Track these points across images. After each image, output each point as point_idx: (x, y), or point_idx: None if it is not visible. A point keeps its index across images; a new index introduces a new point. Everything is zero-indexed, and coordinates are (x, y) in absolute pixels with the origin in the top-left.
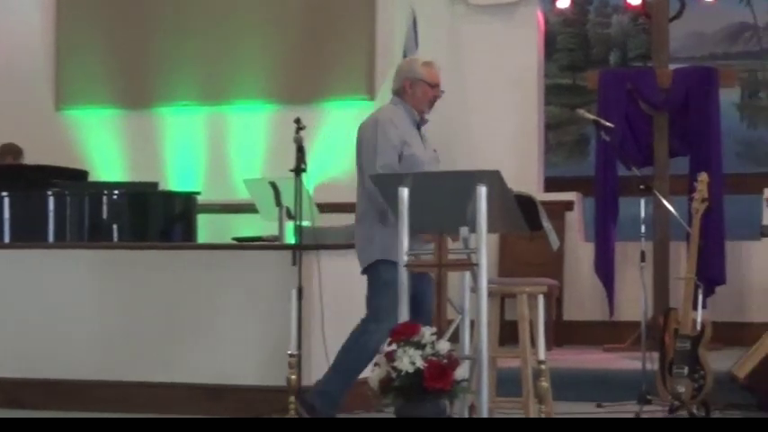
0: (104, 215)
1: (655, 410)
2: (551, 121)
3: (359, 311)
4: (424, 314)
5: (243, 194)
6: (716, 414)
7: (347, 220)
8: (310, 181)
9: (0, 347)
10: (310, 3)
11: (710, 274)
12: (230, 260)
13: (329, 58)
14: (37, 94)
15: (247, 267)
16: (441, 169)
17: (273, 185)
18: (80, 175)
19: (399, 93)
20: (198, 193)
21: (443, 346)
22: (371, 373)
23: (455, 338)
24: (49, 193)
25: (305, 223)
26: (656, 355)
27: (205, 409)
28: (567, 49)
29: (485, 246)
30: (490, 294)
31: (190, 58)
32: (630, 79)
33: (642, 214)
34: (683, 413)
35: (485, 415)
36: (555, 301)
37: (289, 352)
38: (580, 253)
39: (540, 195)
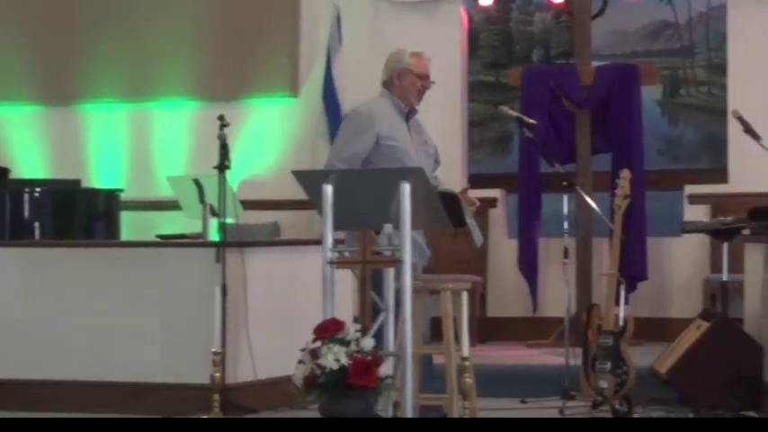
0: (26, 213)
1: (578, 406)
2: (474, 119)
3: (283, 308)
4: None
5: (166, 192)
6: (638, 409)
7: (271, 216)
8: (234, 178)
9: None
10: (234, 0)
11: (632, 270)
12: (154, 258)
13: (252, 55)
14: None
15: (171, 265)
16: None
17: (197, 183)
18: (1, 172)
19: (387, 84)
20: (121, 191)
21: (368, 342)
22: (295, 371)
23: (380, 335)
24: None
25: (229, 220)
26: (579, 350)
27: (129, 407)
28: (491, 46)
29: (409, 242)
30: (414, 291)
31: (113, 54)
32: (553, 77)
33: (565, 211)
34: (605, 408)
35: (409, 412)
36: (479, 297)
37: (213, 350)
38: (504, 249)
39: None
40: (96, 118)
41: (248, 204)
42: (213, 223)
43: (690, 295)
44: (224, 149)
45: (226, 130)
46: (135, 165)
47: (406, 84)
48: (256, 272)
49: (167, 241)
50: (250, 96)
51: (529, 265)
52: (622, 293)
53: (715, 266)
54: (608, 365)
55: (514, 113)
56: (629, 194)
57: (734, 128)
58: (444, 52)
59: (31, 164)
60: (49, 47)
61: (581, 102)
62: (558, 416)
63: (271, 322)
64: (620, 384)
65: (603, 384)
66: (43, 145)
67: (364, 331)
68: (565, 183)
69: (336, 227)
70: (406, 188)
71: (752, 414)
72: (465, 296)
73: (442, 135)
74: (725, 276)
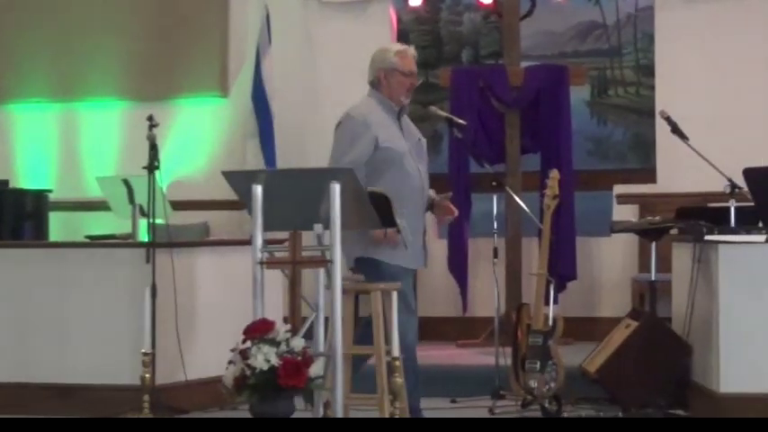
0: None
1: (508, 405)
2: None
3: (213, 309)
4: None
5: (96, 192)
6: (567, 408)
7: (201, 217)
8: (163, 178)
9: None
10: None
11: (562, 269)
12: (83, 258)
13: (182, 55)
14: None
15: (100, 265)
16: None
17: (126, 183)
18: None
19: (374, 84)
20: (50, 191)
21: (298, 343)
22: (226, 371)
23: (310, 335)
24: None
25: (158, 221)
26: (508, 350)
27: (57, 408)
28: (420, 46)
29: (339, 243)
30: (344, 291)
31: (41, 54)
32: (482, 77)
33: (494, 211)
34: (535, 407)
35: (339, 412)
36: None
37: (143, 350)
38: (434, 249)
39: None
40: (24, 118)
41: (178, 205)
42: (143, 224)
43: (618, 295)
44: (153, 150)
45: (155, 131)
46: (64, 165)
47: (393, 83)
48: (186, 272)
49: (96, 242)
50: (179, 96)
51: (459, 265)
52: (552, 293)
53: (643, 266)
54: (537, 365)
55: (444, 114)
56: (558, 194)
57: (662, 128)
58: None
59: None
60: None
61: (510, 102)
62: (487, 415)
63: (201, 323)
64: (549, 384)
65: (533, 384)
66: None
67: (294, 331)
68: (494, 183)
69: (266, 227)
70: (336, 188)
71: (680, 413)
72: (395, 296)
73: None
74: (653, 276)
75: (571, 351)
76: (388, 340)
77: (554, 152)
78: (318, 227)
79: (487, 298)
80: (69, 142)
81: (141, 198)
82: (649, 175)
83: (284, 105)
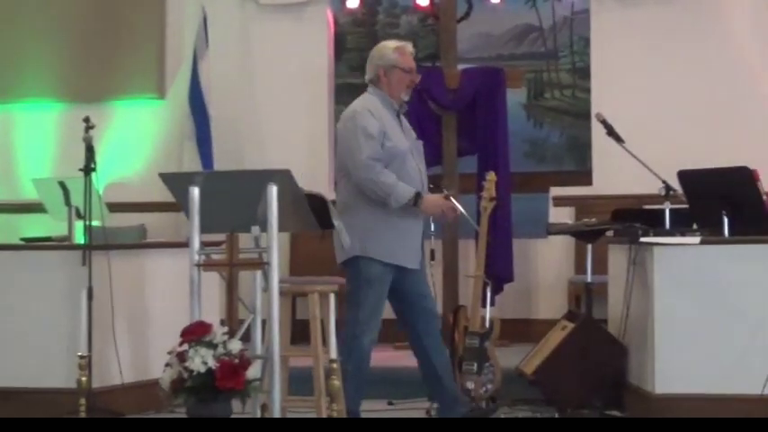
0: None
1: None
2: None
3: (150, 311)
4: (420, 314)
5: (31, 194)
6: (504, 409)
7: (138, 219)
8: (100, 180)
9: None
10: (99, 1)
11: (499, 271)
12: (18, 261)
13: (118, 56)
14: None
15: (36, 268)
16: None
17: (62, 185)
18: None
19: (374, 81)
20: None
21: (235, 345)
22: (162, 374)
23: (247, 338)
24: None
25: (95, 223)
26: (446, 352)
27: None
28: (357, 48)
29: (276, 245)
30: (282, 293)
31: None
32: (419, 79)
33: None
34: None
35: (277, 414)
36: (346, 299)
37: (79, 353)
38: None
39: (331, 194)
40: None
41: (114, 207)
42: (79, 226)
43: (555, 296)
44: (90, 151)
45: (92, 132)
46: None
47: (394, 80)
48: (123, 275)
49: (32, 244)
50: (116, 98)
51: None
52: (488, 295)
53: (579, 268)
54: (474, 366)
55: None
56: (494, 197)
57: (597, 131)
58: (311, 54)
59: None
60: None
61: (447, 104)
62: (424, 417)
63: (138, 325)
64: (486, 385)
65: (470, 385)
66: None
67: (232, 334)
68: (431, 185)
69: (203, 229)
70: (273, 190)
71: (616, 413)
72: (332, 298)
73: (309, 137)
74: (589, 278)
75: (508, 353)
76: (325, 342)
77: (491, 154)
78: (256, 229)
79: None
80: (5, 144)
81: (77, 200)
82: (585, 177)
83: (222, 107)
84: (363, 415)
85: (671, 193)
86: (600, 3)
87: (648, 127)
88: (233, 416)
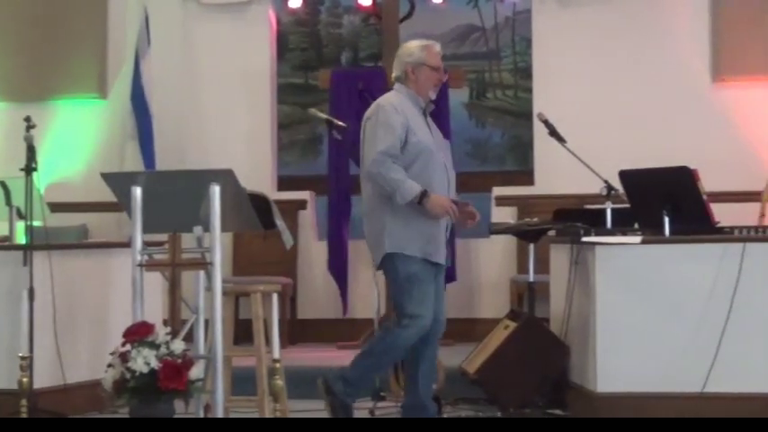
0: None
1: (388, 406)
2: (284, 121)
3: (93, 312)
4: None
5: None
6: (447, 408)
7: (80, 219)
8: (41, 180)
9: None
10: (41, 0)
11: None
12: None
13: (60, 55)
14: None
15: None
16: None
17: (3, 185)
18: None
19: (401, 79)
20: None
21: (178, 345)
22: (105, 374)
23: (190, 338)
24: None
25: (36, 223)
26: None
27: None
28: (300, 48)
29: (219, 245)
30: (225, 293)
31: None
32: (362, 79)
33: None
34: None
35: (220, 414)
36: (289, 299)
37: (20, 354)
38: (314, 251)
39: (273, 194)
40: None
41: (56, 207)
42: (20, 226)
43: (497, 296)
44: (31, 151)
45: (33, 132)
46: None
47: (422, 78)
48: (64, 275)
49: None
50: (58, 97)
51: (339, 266)
52: None
53: (522, 267)
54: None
55: (324, 116)
56: None
57: (539, 130)
58: (253, 54)
59: None
60: None
61: None
62: (368, 416)
63: (80, 326)
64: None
65: None
66: None
67: (174, 334)
68: None
69: (146, 229)
70: (216, 190)
71: (558, 412)
72: (275, 298)
73: (251, 137)
74: (531, 277)
75: (450, 352)
76: (268, 342)
77: None
78: (198, 229)
79: (367, 299)
80: None
81: (18, 200)
82: (527, 177)
83: (164, 107)
84: (306, 415)
85: (612, 192)
86: (541, 3)
87: (590, 127)
88: (176, 416)
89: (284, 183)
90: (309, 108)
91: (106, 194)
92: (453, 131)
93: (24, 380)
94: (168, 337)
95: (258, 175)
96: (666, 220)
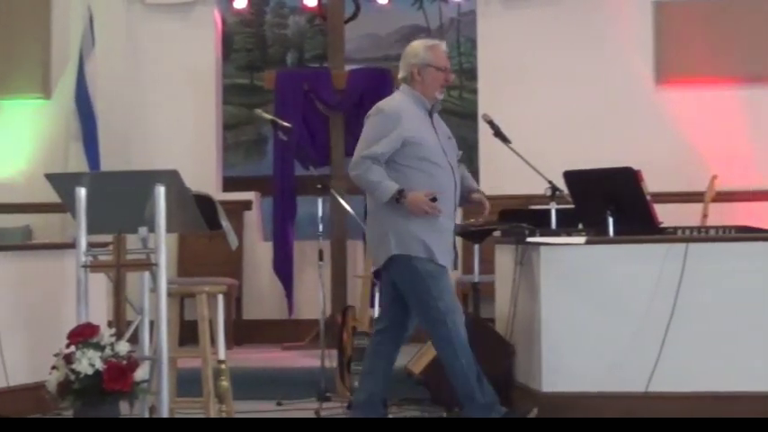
0: None
1: (333, 407)
2: (229, 121)
3: (36, 313)
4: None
5: None
6: (393, 409)
7: (23, 220)
8: None
9: None
10: None
11: None
12: None
13: (3, 55)
14: None
15: None
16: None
17: None
18: None
19: (407, 80)
20: None
21: (123, 347)
22: (49, 376)
23: (135, 339)
24: None
25: None
26: (334, 352)
27: None
28: (245, 49)
29: (164, 245)
30: (170, 294)
31: None
32: (307, 80)
33: (320, 213)
34: None
35: (165, 416)
36: (234, 300)
37: None
38: (259, 252)
39: (219, 195)
40: None
41: None
42: None
43: None
44: None
45: None
46: None
47: (428, 79)
48: (8, 276)
49: None
50: (0, 97)
51: (284, 267)
52: (377, 295)
53: (467, 267)
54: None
55: (269, 116)
56: None
57: (484, 131)
58: (198, 55)
59: None
60: None
61: (335, 105)
62: (313, 417)
63: (23, 327)
64: None
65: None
66: None
67: (119, 335)
68: (319, 185)
69: (90, 230)
70: (161, 191)
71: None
72: (221, 299)
73: (196, 138)
74: (476, 277)
75: None
76: (213, 343)
77: None
78: (143, 230)
79: (313, 300)
80: None
81: None
82: (472, 177)
83: (108, 107)
84: (252, 416)
85: (557, 193)
86: (486, 5)
87: (534, 128)
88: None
89: (229, 183)
90: (255, 109)
91: (50, 195)
92: None
93: None
94: (113, 339)
95: (203, 176)
96: (610, 220)
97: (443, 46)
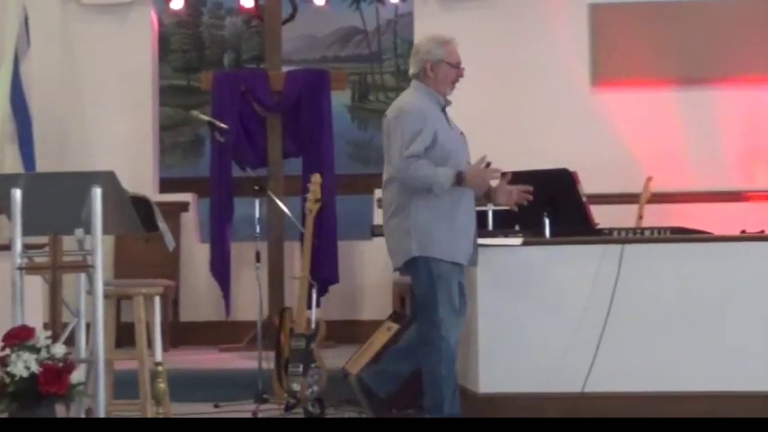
0: None
1: (271, 409)
2: (166, 122)
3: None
4: None
5: None
6: (330, 410)
7: None
8: None
9: None
10: None
11: (324, 273)
12: None
13: None
14: None
15: None
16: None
17: None
18: None
19: (419, 76)
20: None
21: (59, 349)
22: None
23: (71, 341)
24: None
25: None
26: (271, 354)
27: None
28: (182, 50)
29: (100, 247)
30: (106, 296)
31: None
32: (244, 81)
33: (257, 214)
34: (298, 410)
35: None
36: (171, 302)
37: None
38: (196, 254)
39: (156, 196)
40: None
41: None
42: None
43: (380, 298)
44: None
45: None
46: None
47: (440, 75)
48: None
49: None
50: None
51: (221, 268)
52: (314, 296)
53: None
54: (300, 368)
55: (206, 117)
56: (319, 198)
57: None
58: (135, 56)
59: None
60: None
61: (272, 106)
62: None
63: None
64: (312, 386)
65: (296, 387)
66: None
67: (55, 338)
68: (256, 187)
69: (26, 231)
70: (97, 192)
71: None
72: (157, 300)
73: (132, 139)
74: None
75: (334, 354)
76: (150, 345)
77: (315, 156)
78: (79, 231)
79: (250, 302)
80: None
81: None
82: None
83: (44, 108)
84: (188, 417)
85: None
86: (423, 6)
87: (471, 129)
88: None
89: (166, 185)
90: (192, 110)
91: None
92: (336, 134)
93: None
94: (49, 341)
95: (140, 177)
96: (547, 221)
97: (455, 42)
